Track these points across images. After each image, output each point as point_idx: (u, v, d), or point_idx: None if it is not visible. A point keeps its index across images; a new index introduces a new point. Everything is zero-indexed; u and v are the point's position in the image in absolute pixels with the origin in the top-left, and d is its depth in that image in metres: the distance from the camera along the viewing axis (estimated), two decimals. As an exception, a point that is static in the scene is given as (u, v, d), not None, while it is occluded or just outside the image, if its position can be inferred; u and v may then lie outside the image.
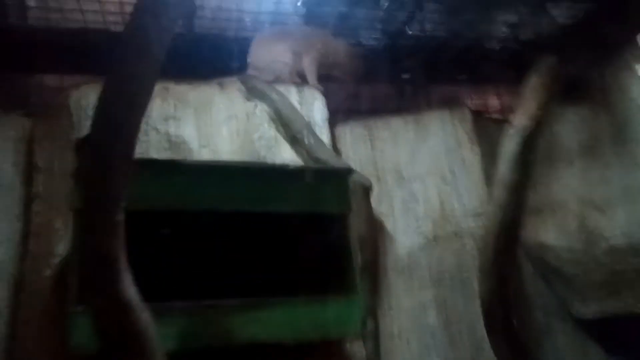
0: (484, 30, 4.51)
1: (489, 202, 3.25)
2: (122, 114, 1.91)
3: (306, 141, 3.47)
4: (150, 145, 3.26)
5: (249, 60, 3.79)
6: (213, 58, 3.86)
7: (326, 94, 3.82)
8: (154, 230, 2.57)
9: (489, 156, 3.86)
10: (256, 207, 2.48)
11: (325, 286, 2.67)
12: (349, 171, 2.97)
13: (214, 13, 3.91)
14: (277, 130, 3.53)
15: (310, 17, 4.11)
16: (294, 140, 3.50)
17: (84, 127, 3.04)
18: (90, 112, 2.75)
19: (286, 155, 3.50)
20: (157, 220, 2.52)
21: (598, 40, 3.79)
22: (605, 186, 3.47)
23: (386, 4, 4.02)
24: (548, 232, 3.70)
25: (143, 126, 3.34)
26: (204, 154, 3.32)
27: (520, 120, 2.82)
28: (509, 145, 2.82)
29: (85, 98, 3.22)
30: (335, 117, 3.99)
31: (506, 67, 4.85)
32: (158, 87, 3.47)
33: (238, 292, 2.43)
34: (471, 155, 3.86)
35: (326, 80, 4.01)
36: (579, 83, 3.60)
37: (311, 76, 3.82)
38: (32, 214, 2.99)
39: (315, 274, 2.71)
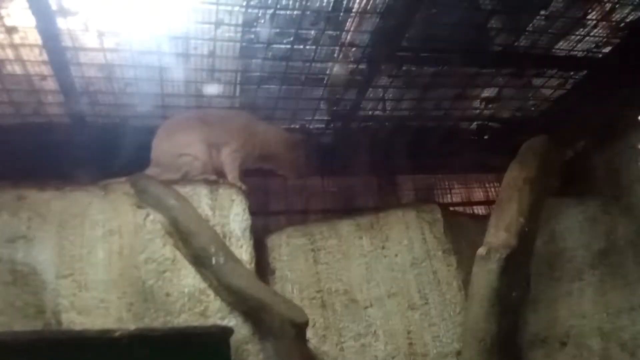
0: (455, 107, 3.71)
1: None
2: None
3: (214, 261, 2.52)
4: (-16, 278, 2.32)
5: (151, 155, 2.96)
6: (106, 154, 3.03)
7: (252, 194, 2.91)
8: None
9: (469, 267, 2.87)
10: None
11: None
12: (226, 332, 1.98)
13: (116, 98, 3.12)
14: (176, 247, 2.59)
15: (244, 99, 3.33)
16: (198, 261, 2.55)
17: None
18: None
19: (187, 281, 2.54)
20: None
21: (598, 115, 2.96)
22: (631, 312, 2.47)
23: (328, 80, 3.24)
24: (559, 374, 2.65)
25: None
26: (62, 288, 2.37)
27: (497, 236, 1.88)
28: (482, 277, 1.86)
29: None
30: (265, 224, 3.08)
31: (489, 150, 4.01)
32: (7, 197, 2.67)
33: None
34: (445, 269, 2.88)
35: (253, 176, 3.15)
36: (582, 172, 2.72)
37: (231, 172, 2.95)
38: None
39: None
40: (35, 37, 2.59)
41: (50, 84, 2.88)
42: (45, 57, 2.68)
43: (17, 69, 2.76)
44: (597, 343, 2.47)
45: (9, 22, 2.53)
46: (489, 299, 1.82)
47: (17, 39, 2.59)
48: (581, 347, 2.57)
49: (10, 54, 2.67)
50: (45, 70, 2.77)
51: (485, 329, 1.81)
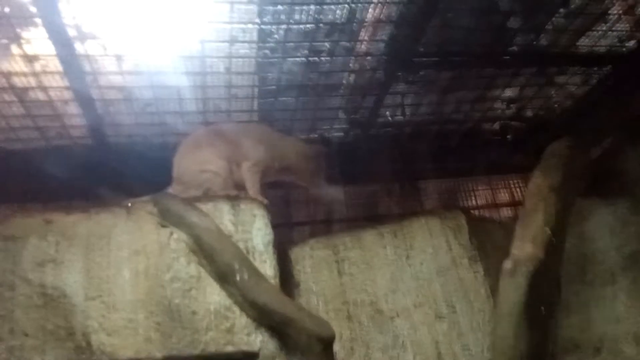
0: (477, 108, 3.65)
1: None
2: None
3: (238, 277, 2.53)
4: (15, 302, 2.37)
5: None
6: (129, 174, 3.07)
7: (274, 206, 2.91)
8: None
9: (497, 274, 2.82)
10: None
11: None
12: (251, 357, 1.99)
13: (137, 118, 3.17)
14: (200, 264, 2.61)
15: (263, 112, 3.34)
16: (223, 278, 2.56)
17: None
18: None
19: (213, 298, 2.55)
20: None
21: (625, 111, 2.87)
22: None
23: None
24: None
25: (7, 277, 2.60)
26: (91, 310, 2.40)
27: (523, 249, 1.83)
28: (509, 292, 1.82)
29: None
30: (288, 235, 3.08)
31: (513, 150, 3.94)
32: (35, 222, 2.72)
33: None
34: (472, 277, 2.83)
35: (275, 188, 3.16)
36: (611, 170, 2.63)
37: (252, 187, 2.95)
38: None
39: None
40: (55, 64, 2.65)
41: (72, 108, 2.95)
42: (66, 82, 2.73)
43: (40, 96, 2.83)
44: (632, 348, 2.39)
45: (30, 50, 2.60)
46: (517, 315, 1.77)
47: (38, 67, 2.66)
48: (615, 352, 2.49)
49: (32, 81, 2.74)
50: (67, 95, 2.83)
51: (514, 346, 1.76)
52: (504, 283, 1.89)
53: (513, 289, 1.82)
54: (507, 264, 1.88)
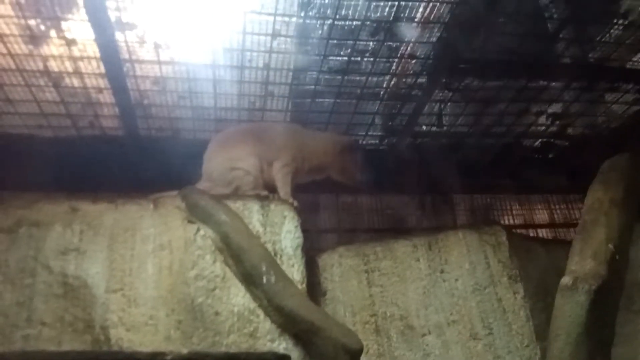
0: (519, 123, 3.50)
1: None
2: None
3: (265, 280, 2.41)
4: (34, 290, 2.29)
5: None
6: (160, 167, 2.99)
7: (304, 211, 2.79)
8: None
9: (538, 296, 2.68)
10: None
11: None
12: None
13: (170, 111, 3.10)
14: (226, 264, 2.50)
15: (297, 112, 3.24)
16: (249, 279, 2.45)
17: None
18: None
19: (237, 300, 2.44)
20: None
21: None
22: None
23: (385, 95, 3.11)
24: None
25: (29, 263, 2.53)
26: (111, 303, 2.31)
27: (583, 265, 1.67)
28: (569, 311, 1.66)
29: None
30: (317, 241, 2.96)
31: (553, 170, 3.76)
32: (61, 209, 2.65)
33: None
34: (511, 297, 2.66)
35: (304, 192, 3.04)
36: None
37: (283, 188, 2.84)
38: None
39: None
40: (93, 50, 2.60)
41: (106, 97, 2.89)
42: (102, 69, 2.67)
43: (75, 82, 2.77)
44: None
45: (68, 35, 2.55)
46: (576, 335, 1.61)
47: (76, 51, 2.60)
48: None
49: (69, 66, 2.69)
50: (102, 83, 2.77)
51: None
52: (561, 300, 1.73)
53: (572, 307, 1.66)
54: (567, 280, 1.72)
